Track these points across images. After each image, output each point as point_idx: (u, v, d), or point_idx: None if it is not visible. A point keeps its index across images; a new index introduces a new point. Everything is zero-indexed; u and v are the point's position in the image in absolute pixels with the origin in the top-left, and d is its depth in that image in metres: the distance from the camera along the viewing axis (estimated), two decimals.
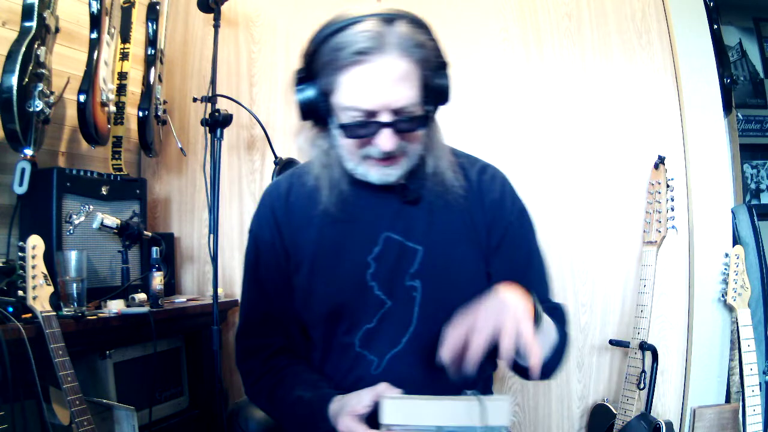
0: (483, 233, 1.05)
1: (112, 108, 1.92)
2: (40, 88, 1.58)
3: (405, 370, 0.99)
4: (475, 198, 1.06)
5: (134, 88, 2.16)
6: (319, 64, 0.91)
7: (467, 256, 1.03)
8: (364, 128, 0.90)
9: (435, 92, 0.94)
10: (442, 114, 1.02)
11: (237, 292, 2.24)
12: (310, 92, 0.93)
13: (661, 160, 1.79)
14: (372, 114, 0.88)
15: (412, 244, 1.01)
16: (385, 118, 0.88)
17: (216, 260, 1.74)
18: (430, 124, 1.00)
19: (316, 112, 0.94)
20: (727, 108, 1.91)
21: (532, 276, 1.06)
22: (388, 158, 0.94)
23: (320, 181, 1.02)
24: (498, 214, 1.05)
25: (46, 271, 1.37)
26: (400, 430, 0.83)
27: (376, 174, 0.96)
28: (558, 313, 1.05)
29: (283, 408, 1.02)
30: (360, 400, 0.87)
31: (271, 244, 1.06)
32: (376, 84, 0.87)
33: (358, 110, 0.89)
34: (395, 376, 0.94)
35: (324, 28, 0.90)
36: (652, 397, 1.69)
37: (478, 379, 1.02)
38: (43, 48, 1.61)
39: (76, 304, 1.54)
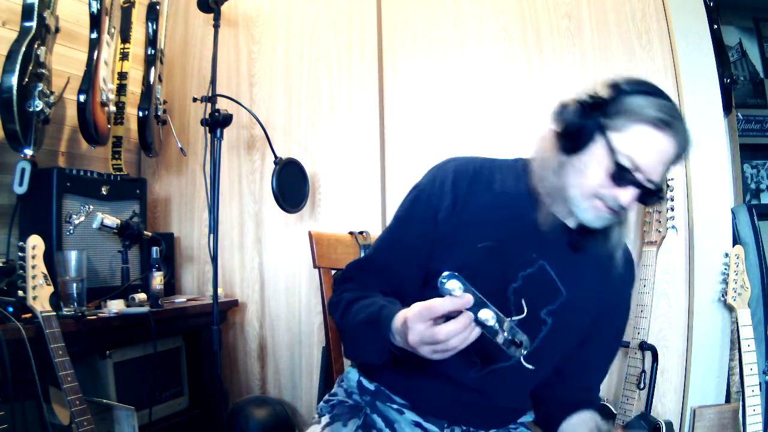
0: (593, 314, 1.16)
1: (112, 108, 1.92)
2: (40, 88, 1.58)
3: (501, 386, 1.07)
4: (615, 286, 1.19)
5: (134, 88, 2.16)
6: (616, 104, 1.03)
7: (584, 322, 1.14)
8: (625, 176, 1.00)
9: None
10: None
11: (237, 292, 2.25)
12: (589, 116, 1.05)
13: None
14: (636, 170, 1.00)
15: (560, 285, 1.08)
16: (641, 180, 1.00)
17: (216, 260, 1.75)
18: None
19: (579, 134, 1.04)
20: (727, 108, 1.91)
21: (604, 370, 1.25)
22: (613, 210, 1.03)
23: (521, 181, 1.11)
24: (612, 314, 1.19)
25: (46, 271, 1.37)
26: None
27: (593, 215, 1.04)
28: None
29: (355, 311, 1.02)
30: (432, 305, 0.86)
31: (433, 208, 1.09)
32: (657, 152, 1.00)
33: (631, 160, 0.99)
34: (491, 386, 1.06)
35: (636, 83, 1.06)
36: (652, 397, 1.69)
37: None
38: (43, 48, 1.61)
39: (76, 304, 1.54)
